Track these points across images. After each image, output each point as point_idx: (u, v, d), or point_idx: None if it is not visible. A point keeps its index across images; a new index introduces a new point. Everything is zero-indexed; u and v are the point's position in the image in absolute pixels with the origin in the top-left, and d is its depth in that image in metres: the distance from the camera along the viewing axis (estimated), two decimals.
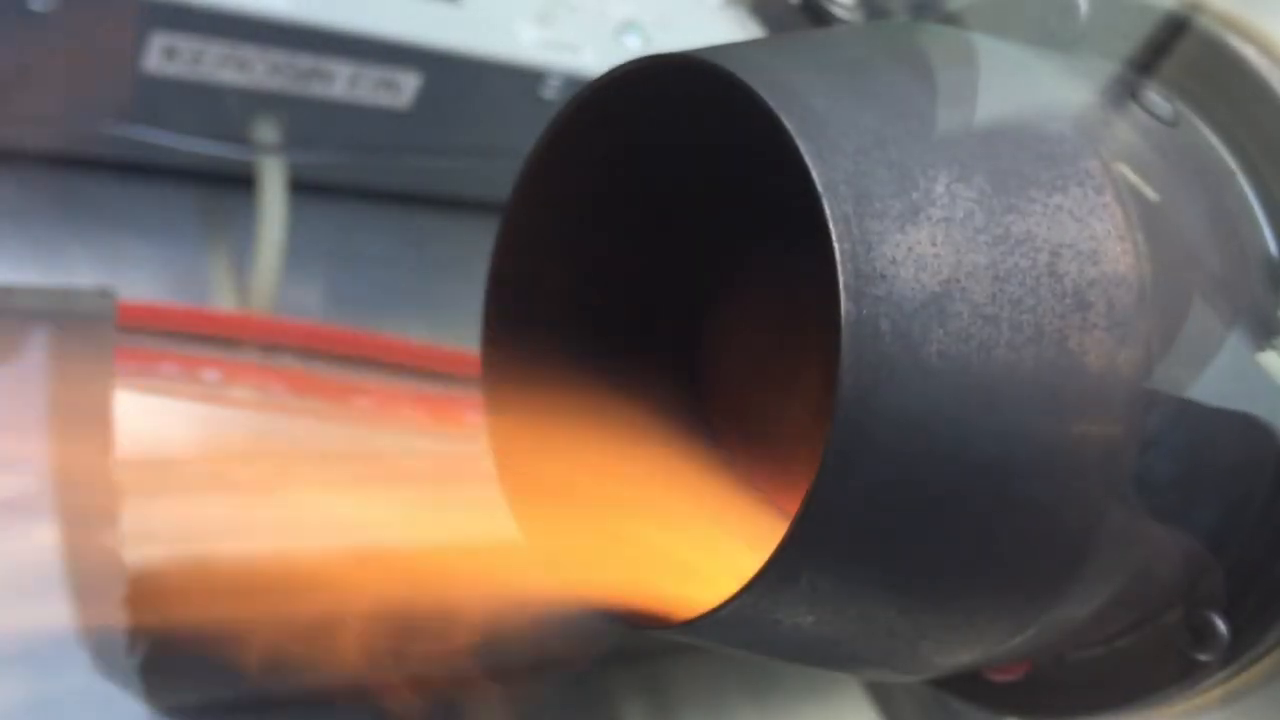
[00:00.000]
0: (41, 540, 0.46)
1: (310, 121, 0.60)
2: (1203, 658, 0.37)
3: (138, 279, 0.57)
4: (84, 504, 0.47)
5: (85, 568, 0.46)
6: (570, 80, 0.62)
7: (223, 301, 0.59)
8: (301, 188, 0.61)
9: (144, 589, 0.47)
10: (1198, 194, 0.36)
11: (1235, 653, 0.37)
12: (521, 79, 0.62)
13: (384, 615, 0.57)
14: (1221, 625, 0.37)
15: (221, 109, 0.58)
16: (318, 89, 0.59)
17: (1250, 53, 0.38)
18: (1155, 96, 0.37)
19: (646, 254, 0.38)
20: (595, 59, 0.63)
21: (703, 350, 0.40)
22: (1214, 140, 0.38)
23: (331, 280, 0.63)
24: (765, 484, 0.38)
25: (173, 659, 0.50)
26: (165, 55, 0.55)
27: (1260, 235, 0.37)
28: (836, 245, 0.29)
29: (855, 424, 0.29)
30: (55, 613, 0.46)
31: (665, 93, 0.34)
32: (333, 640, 0.55)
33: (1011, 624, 0.34)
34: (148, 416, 0.53)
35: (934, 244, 0.30)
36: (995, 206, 0.31)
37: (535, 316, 0.37)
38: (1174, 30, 0.39)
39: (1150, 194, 0.34)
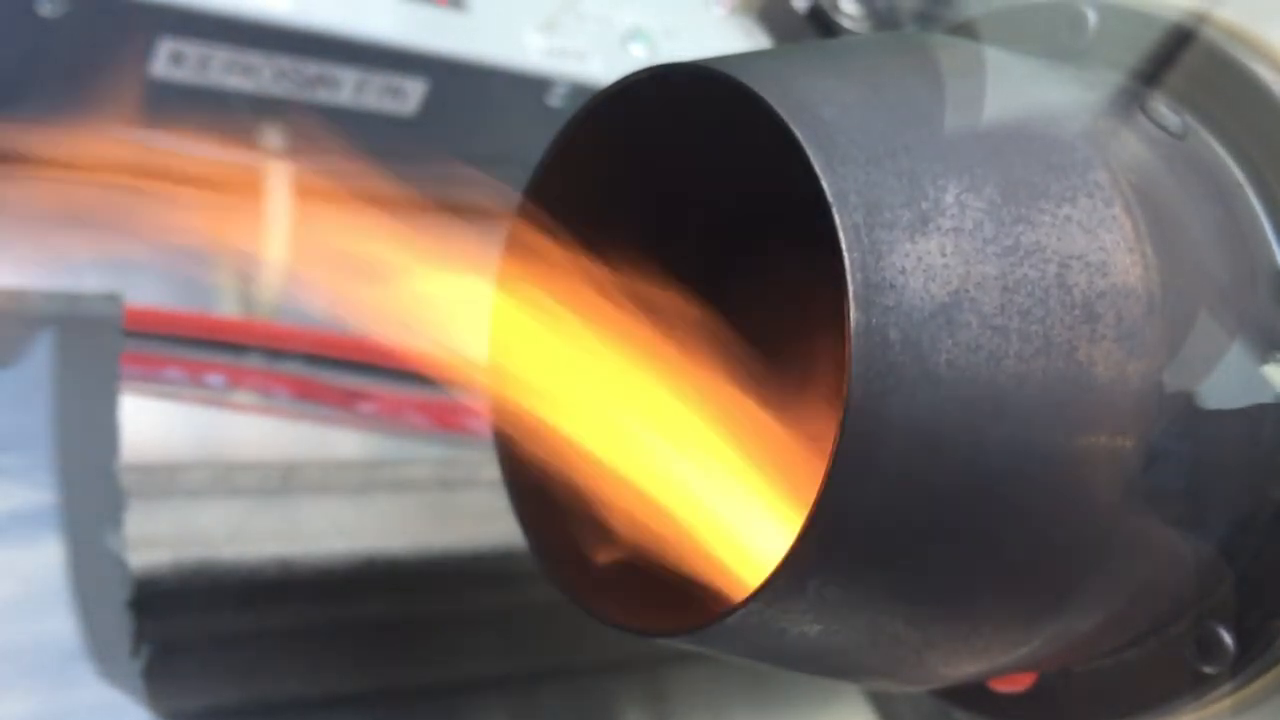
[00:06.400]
0: (46, 545, 0.46)
1: (316, 127, 0.60)
2: (1209, 670, 0.37)
3: (144, 284, 0.57)
4: (89, 508, 0.47)
5: (90, 573, 0.46)
6: (577, 88, 0.62)
7: (228, 307, 0.59)
8: (307, 193, 0.61)
9: (148, 594, 0.47)
10: (1205, 206, 0.36)
11: (1242, 665, 0.37)
12: (528, 87, 0.61)
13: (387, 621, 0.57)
14: (1228, 638, 0.37)
15: (228, 114, 0.58)
16: (324, 95, 0.59)
17: (1257, 65, 0.38)
18: (1163, 109, 0.37)
19: (654, 260, 0.38)
20: (602, 67, 0.63)
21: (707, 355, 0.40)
22: (1221, 152, 0.38)
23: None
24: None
25: (177, 664, 0.50)
26: (172, 60, 0.55)
27: (1267, 247, 0.37)
28: (846, 254, 0.30)
29: (863, 432, 0.29)
30: (60, 618, 0.46)
31: (675, 101, 0.34)
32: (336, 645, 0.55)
33: (1018, 634, 0.34)
34: (153, 420, 0.53)
35: (943, 254, 0.30)
36: (1005, 217, 0.31)
37: (540, 321, 0.37)
38: (1181, 42, 0.39)
39: (1159, 206, 0.34)
